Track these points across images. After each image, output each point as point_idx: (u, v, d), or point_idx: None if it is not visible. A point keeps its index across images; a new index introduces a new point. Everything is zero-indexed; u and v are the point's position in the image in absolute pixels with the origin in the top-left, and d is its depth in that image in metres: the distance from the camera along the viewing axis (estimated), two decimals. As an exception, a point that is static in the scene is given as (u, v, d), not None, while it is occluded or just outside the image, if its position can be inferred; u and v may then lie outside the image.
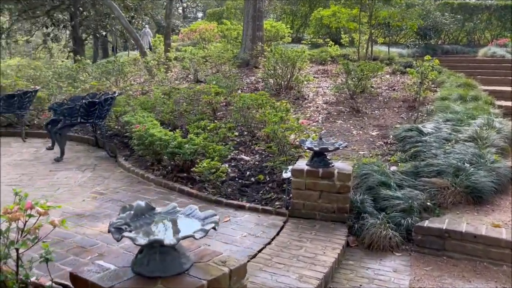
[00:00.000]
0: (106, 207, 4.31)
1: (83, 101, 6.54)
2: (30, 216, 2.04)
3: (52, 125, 6.59)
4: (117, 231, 1.81)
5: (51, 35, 23.76)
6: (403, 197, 4.18)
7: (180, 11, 38.83)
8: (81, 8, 21.02)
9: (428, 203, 4.18)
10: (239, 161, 5.77)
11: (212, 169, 4.61)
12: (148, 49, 18.87)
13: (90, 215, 4.07)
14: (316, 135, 5.12)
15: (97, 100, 6.41)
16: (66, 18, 22.91)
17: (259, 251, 3.38)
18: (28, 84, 10.86)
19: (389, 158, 5.53)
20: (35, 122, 8.93)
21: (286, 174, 4.31)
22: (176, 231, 2.00)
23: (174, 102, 8.53)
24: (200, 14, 40.28)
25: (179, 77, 13.07)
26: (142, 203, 2.11)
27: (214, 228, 1.91)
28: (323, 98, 9.06)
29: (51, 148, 6.87)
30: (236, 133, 7.13)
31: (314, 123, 7.63)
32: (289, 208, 4.20)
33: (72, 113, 6.27)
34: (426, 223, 3.82)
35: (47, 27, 22.94)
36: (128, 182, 5.26)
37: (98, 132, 6.96)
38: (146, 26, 21.00)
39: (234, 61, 12.23)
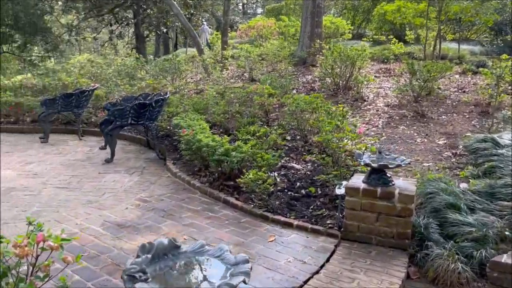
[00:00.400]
0: (147, 217, 4.13)
1: (135, 102, 6.48)
2: (43, 249, 1.81)
3: (105, 125, 6.60)
4: (130, 279, 1.54)
5: (116, 32, 24.69)
6: (476, 224, 3.61)
7: (240, 7, 38.87)
8: (143, 6, 21.51)
9: (507, 233, 3.59)
10: (289, 170, 5.41)
11: (259, 180, 4.29)
12: (206, 46, 18.92)
13: (130, 226, 3.91)
14: (374, 146, 4.63)
15: (147, 102, 6.31)
16: (129, 16, 23.61)
17: (305, 281, 3.01)
18: (89, 82, 11.15)
19: (458, 173, 4.92)
20: (92, 120, 9.09)
21: (340, 191, 3.89)
22: (200, 278, 1.69)
23: (227, 102, 8.31)
24: (259, 10, 40.08)
25: (234, 75, 12.91)
26: (165, 241, 1.82)
27: (244, 281, 1.58)
28: (384, 100, 8.44)
29: (103, 148, 6.91)
30: (288, 137, 6.77)
31: (374, 128, 7.09)
32: (342, 229, 3.78)
33: (123, 114, 6.22)
34: (504, 258, 3.25)
35: (112, 25, 23.81)
36: (173, 188, 5.08)
37: (149, 133, 6.88)
38: (204, 23, 21.08)
39: (291, 59, 11.85)
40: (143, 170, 5.88)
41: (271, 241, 3.68)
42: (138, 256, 1.75)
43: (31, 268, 1.81)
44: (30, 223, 1.92)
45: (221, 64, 13.55)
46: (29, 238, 1.79)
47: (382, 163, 3.61)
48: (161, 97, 6.52)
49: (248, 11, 40.77)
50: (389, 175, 3.70)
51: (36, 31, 17.37)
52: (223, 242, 3.60)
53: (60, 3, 22.18)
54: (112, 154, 6.31)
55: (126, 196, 4.75)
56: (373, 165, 3.62)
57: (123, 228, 3.86)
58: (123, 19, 23.70)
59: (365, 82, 9.07)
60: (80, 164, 6.12)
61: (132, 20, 23.00)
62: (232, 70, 13.51)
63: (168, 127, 7.49)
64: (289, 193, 4.73)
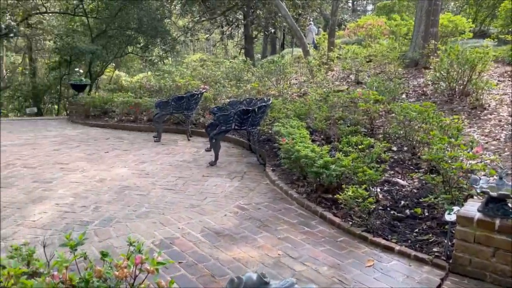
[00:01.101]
0: (244, 227, 4.18)
1: (239, 108, 6.64)
2: (140, 270, 1.89)
3: (211, 129, 6.87)
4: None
5: (227, 33, 25.80)
6: None
7: (350, 4, 37.84)
8: (253, 8, 22.08)
9: None
10: (393, 185, 5.08)
11: (358, 198, 4.08)
12: (312, 47, 18.75)
13: (227, 235, 3.99)
14: (493, 169, 4.11)
15: (250, 109, 6.42)
16: (239, 18, 24.42)
17: (404, 319, 2.77)
18: (199, 84, 11.75)
19: None
20: (201, 121, 9.56)
21: (450, 217, 3.52)
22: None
23: (329, 107, 8.12)
24: (370, 7, 38.65)
25: (340, 77, 12.58)
26: (254, 276, 1.77)
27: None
28: (509, 109, 7.51)
29: (209, 150, 7.21)
30: (394, 148, 6.38)
31: (494, 142, 6.35)
32: (450, 260, 3.42)
33: (227, 120, 6.41)
34: None
35: (223, 27, 24.92)
36: (271, 197, 5.08)
37: (251, 138, 7.00)
38: (311, 23, 20.91)
39: (401, 61, 11.18)
40: (244, 175, 5.99)
41: (369, 266, 3.47)
42: (226, 290, 1.74)
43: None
44: (130, 244, 2.01)
45: (326, 66, 13.31)
46: (128, 259, 1.88)
47: (503, 192, 3.17)
48: (264, 104, 6.59)
49: (358, 8, 39.54)
50: (511, 205, 3.24)
51: (156, 33, 18.83)
52: (318, 262, 3.49)
53: (178, 7, 23.79)
54: (216, 157, 6.55)
55: (226, 202, 4.88)
56: (491, 193, 3.19)
57: (220, 237, 3.95)
58: (234, 21, 24.63)
59: (486, 88, 8.17)
60: (187, 166, 6.46)
61: (242, 22, 23.77)
62: (338, 72, 13.19)
63: (270, 132, 7.56)
64: (391, 212, 4.43)
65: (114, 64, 23.47)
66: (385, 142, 5.58)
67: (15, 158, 6.70)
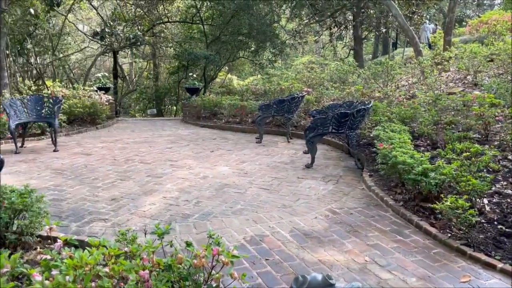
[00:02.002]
0: (333, 230, 4.19)
1: (338, 110, 6.61)
2: (217, 261, 2.07)
3: (310, 131, 6.95)
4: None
5: (336, 34, 25.57)
6: None
7: (474, -3, 34.66)
8: (363, 9, 21.53)
9: None
10: (504, 198, 4.63)
11: (458, 209, 3.82)
12: (426, 46, 17.67)
13: (315, 237, 4.04)
14: None
15: (348, 112, 6.35)
16: (348, 19, 24.00)
17: None
18: (302, 87, 11.89)
19: None
20: (301, 123, 9.69)
21: None
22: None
23: (439, 110, 7.63)
24: (498, 0, 34.96)
25: (455, 78, 11.69)
26: (319, 277, 1.83)
27: None
28: None
29: (307, 153, 7.29)
30: (511, 157, 5.77)
31: None
32: None
33: (325, 123, 6.42)
34: None
35: (331, 28, 24.74)
36: (365, 203, 4.99)
37: (350, 141, 6.91)
38: (426, 21, 19.69)
39: (529, 60, 10.00)
40: (339, 179, 5.96)
41: (463, 282, 3.24)
42: None
43: (206, 276, 2.09)
44: (210, 236, 2.20)
45: (440, 66, 12.46)
46: (206, 250, 2.07)
47: None
48: (363, 107, 6.46)
49: (485, 1, 36.03)
50: None
51: (265, 38, 19.45)
52: (407, 272, 3.36)
53: (287, 12, 24.24)
54: (312, 160, 6.60)
55: (317, 205, 4.92)
56: None
57: (308, 238, 4.02)
58: (343, 22, 24.28)
59: None
60: (283, 167, 6.62)
61: (351, 22, 23.33)
62: (453, 73, 12.26)
63: (371, 135, 7.37)
64: (498, 226, 4.05)
65: (227, 68, 24.78)
66: (500, 150, 5.10)
67: (134, 154, 7.53)
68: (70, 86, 13.38)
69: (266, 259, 3.58)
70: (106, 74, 15.39)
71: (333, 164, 6.84)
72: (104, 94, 11.94)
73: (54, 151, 7.67)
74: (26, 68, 20.27)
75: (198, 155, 7.48)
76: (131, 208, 4.75)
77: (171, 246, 2.22)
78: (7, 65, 14.29)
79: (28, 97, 8.16)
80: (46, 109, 7.99)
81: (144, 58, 27.03)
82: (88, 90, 11.58)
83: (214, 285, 2.06)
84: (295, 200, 5.09)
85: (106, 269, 1.92)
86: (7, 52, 18.25)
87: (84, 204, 4.87)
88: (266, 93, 12.28)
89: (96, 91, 11.74)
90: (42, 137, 9.05)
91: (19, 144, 7.89)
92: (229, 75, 26.63)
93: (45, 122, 8.38)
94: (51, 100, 8.06)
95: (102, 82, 13.35)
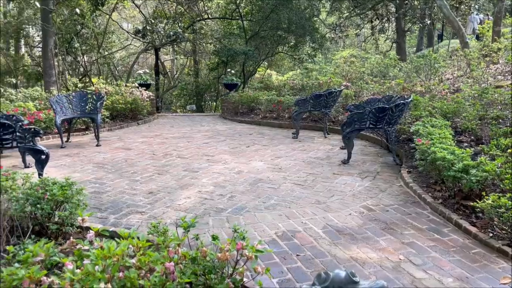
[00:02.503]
0: (367, 227, 4.11)
1: (376, 105, 6.45)
2: (241, 255, 2.08)
3: (347, 126, 6.84)
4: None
5: (377, 27, 24.94)
6: None
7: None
8: (406, 0, 20.86)
9: None
10: (553, 197, 4.36)
11: (500, 207, 3.63)
12: (474, 38, 16.90)
13: (348, 234, 3.97)
14: None
15: (386, 107, 6.18)
16: (390, 11, 23.34)
17: None
18: (341, 81, 11.69)
19: None
20: (339, 118, 9.54)
21: None
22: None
23: (485, 104, 7.30)
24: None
25: (504, 71, 11.12)
26: (342, 274, 1.80)
27: None
28: None
29: (343, 148, 7.17)
30: None
31: None
32: None
33: (362, 118, 6.29)
34: None
35: (373, 21, 24.14)
36: (402, 200, 4.86)
37: (388, 137, 6.74)
38: (474, 12, 18.79)
39: None
40: (376, 176, 5.82)
41: (504, 284, 3.09)
42: (313, 284, 1.79)
43: (231, 270, 2.11)
44: (235, 230, 2.22)
45: (488, 59, 11.89)
46: (230, 244, 2.08)
47: None
48: (402, 102, 6.27)
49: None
50: None
51: (304, 32, 19.26)
52: (443, 272, 3.25)
53: (327, 5, 23.87)
54: (349, 156, 6.49)
55: (352, 201, 4.84)
56: None
57: (341, 235, 3.96)
58: (385, 14, 23.65)
59: None
60: (319, 163, 6.56)
61: (394, 14, 22.67)
62: (502, 65, 11.67)
63: (410, 131, 7.15)
64: (546, 227, 3.83)
65: (266, 63, 24.74)
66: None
67: (172, 149, 7.69)
68: (114, 83, 13.84)
69: (297, 255, 3.57)
70: (148, 71, 15.78)
71: (370, 160, 6.69)
72: (145, 90, 12.27)
73: (97, 145, 7.96)
74: (74, 66, 21.18)
75: (234, 150, 7.53)
76: (167, 202, 4.86)
77: (197, 239, 2.25)
78: (56, 63, 14.95)
79: (73, 93, 8.51)
80: (90, 105, 8.30)
81: (185, 55, 27.48)
82: (130, 87, 11.93)
83: (238, 278, 2.07)
84: (329, 196, 5.03)
85: (133, 260, 1.97)
86: (56, 51, 19.12)
87: (123, 197, 5.03)
88: (304, 88, 12.18)
89: (138, 87, 12.06)
90: (87, 132, 9.42)
91: (64, 139, 8.26)
92: (268, 71, 26.57)
93: (89, 118, 8.71)
94: (94, 97, 8.37)
95: (143, 79, 13.72)
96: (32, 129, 5.18)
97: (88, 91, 8.89)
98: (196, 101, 23.91)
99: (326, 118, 8.84)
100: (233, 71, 14.96)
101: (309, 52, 22.96)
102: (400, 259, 3.49)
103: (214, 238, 2.22)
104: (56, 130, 8.28)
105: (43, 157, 5.35)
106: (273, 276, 3.12)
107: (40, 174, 5.42)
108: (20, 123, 6.14)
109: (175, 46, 23.82)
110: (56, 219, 3.59)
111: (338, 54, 28.18)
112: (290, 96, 11.56)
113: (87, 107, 8.37)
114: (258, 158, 6.89)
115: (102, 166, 6.43)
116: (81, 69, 20.51)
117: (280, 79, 20.33)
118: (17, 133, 5.09)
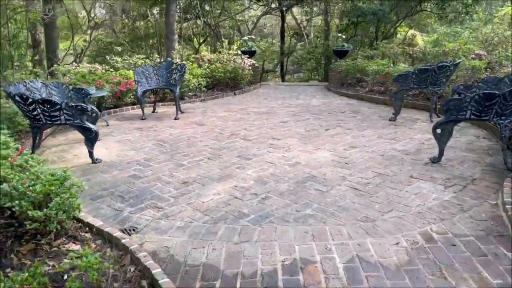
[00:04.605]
0: (409, 270, 2.98)
1: (484, 90, 4.86)
2: None
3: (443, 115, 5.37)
4: None
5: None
6: None
7: None
8: None
9: None
10: None
11: None
12: None
13: (376, 277, 2.93)
14: None
15: (496, 93, 4.56)
16: None
17: None
18: (474, 49, 9.57)
19: None
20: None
21: None
22: None
23: None
24: None
25: None
26: None
27: None
28: None
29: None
30: None
31: None
32: None
33: (460, 106, 4.79)
34: None
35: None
36: (485, 229, 3.49)
37: (502, 131, 5.07)
38: None
39: None
40: (468, 185, 4.41)
41: None
42: None
43: None
44: None
45: None
46: None
47: None
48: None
49: None
50: None
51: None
52: None
53: None
54: (440, 153, 5.09)
55: (412, 223, 3.66)
56: None
57: (367, 277, 2.94)
58: None
59: None
60: (400, 159, 5.29)
61: None
62: None
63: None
64: None
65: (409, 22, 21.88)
66: None
67: (243, 128, 7.12)
68: (223, 49, 13.62)
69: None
70: (253, 37, 15.20)
71: (473, 159, 5.17)
72: (248, 58, 11.81)
73: (175, 119, 7.84)
74: (204, 30, 21.74)
75: (307, 134, 6.63)
76: (193, 197, 4.35)
77: None
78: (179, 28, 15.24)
79: (160, 64, 8.46)
80: (175, 76, 8.15)
81: (314, 17, 26.10)
82: (232, 54, 11.59)
83: None
84: (385, 211, 3.91)
85: None
86: (188, 16, 19.79)
87: (155, 185, 4.69)
88: (424, 56, 10.30)
89: (240, 55, 11.66)
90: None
91: (150, 110, 8.33)
92: (412, 31, 23.48)
93: (169, 89, 8.58)
94: (179, 68, 8.19)
95: (248, 46, 13.23)
96: (80, 107, 5.11)
97: (175, 62, 8.76)
98: (324, 66, 22.59)
99: (435, 97, 7.21)
100: (343, 36, 13.45)
101: (461, 8, 19.44)
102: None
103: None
104: (151, 99, 8.33)
105: (92, 135, 5.29)
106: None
107: (90, 153, 5.41)
108: (88, 96, 6.23)
109: (306, 7, 22.64)
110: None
111: (502, 10, 23.47)
112: (407, 66, 9.88)
113: (171, 78, 8.25)
114: (328, 147, 5.90)
115: (161, 145, 6.22)
116: (209, 33, 20.76)
117: (426, 41, 17.64)
118: (64, 110, 5.06)
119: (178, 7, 16.67)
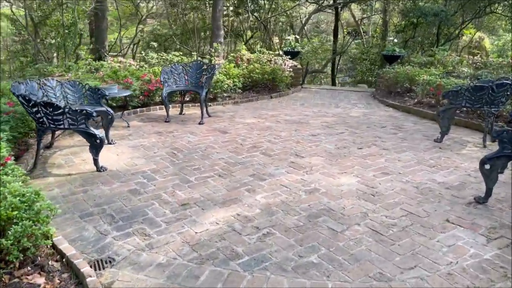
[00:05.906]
0: None
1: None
2: None
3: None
4: None
5: None
6: None
7: None
8: None
9: None
10: None
11: None
12: None
13: None
14: None
15: None
16: None
17: None
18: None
19: None
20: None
21: None
22: None
23: None
24: None
25: None
26: None
27: None
28: None
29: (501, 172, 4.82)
30: None
31: None
32: None
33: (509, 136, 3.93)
34: None
35: None
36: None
37: None
38: None
39: None
40: (517, 239, 3.58)
41: None
42: None
43: None
44: None
45: None
46: None
47: None
48: None
49: None
50: None
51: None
52: None
53: None
54: (487, 193, 4.24)
55: (444, 285, 2.94)
56: None
57: None
58: None
59: None
60: (438, 195, 4.49)
61: None
62: None
63: None
64: None
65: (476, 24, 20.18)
66: None
67: (267, 140, 6.52)
68: (264, 49, 13.02)
69: None
70: (298, 37, 14.43)
71: (527, 203, 4.28)
72: (290, 59, 11.15)
73: (199, 123, 7.38)
74: (256, 25, 21.23)
75: (336, 152, 5.93)
76: (187, 224, 3.85)
77: None
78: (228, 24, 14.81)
79: (191, 63, 8.05)
80: (204, 78, 7.70)
81: (373, 15, 24.80)
82: (272, 55, 10.99)
83: None
84: (407, 267, 3.20)
85: None
86: (240, 10, 19.37)
87: (152, 204, 4.24)
88: (485, 66, 9.16)
89: (281, 56, 11.02)
90: (209, 104, 8.97)
91: (177, 112, 7.95)
92: (479, 33, 21.58)
93: (195, 92, 8.11)
94: (209, 69, 7.74)
95: (291, 46, 12.53)
96: (84, 112, 4.77)
97: (205, 62, 8.31)
98: (378, 69, 21.36)
99: (491, 118, 6.24)
100: (395, 40, 12.38)
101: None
102: None
103: None
104: (179, 100, 7.98)
105: (97, 141, 4.95)
106: None
107: (95, 160, 5.07)
108: (105, 97, 5.92)
109: (363, 4, 21.50)
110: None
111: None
112: (463, 78, 8.84)
113: (201, 79, 7.81)
114: (356, 171, 5.18)
115: (174, 154, 5.78)
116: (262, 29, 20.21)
117: (496, 44, 15.99)
118: (67, 115, 4.74)
119: (227, 2, 16.28)
